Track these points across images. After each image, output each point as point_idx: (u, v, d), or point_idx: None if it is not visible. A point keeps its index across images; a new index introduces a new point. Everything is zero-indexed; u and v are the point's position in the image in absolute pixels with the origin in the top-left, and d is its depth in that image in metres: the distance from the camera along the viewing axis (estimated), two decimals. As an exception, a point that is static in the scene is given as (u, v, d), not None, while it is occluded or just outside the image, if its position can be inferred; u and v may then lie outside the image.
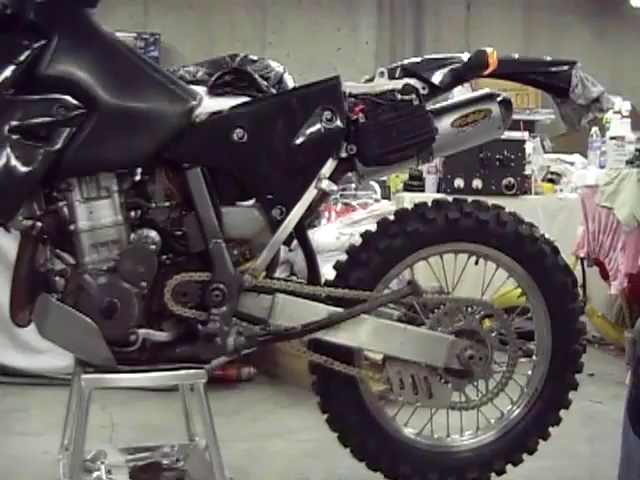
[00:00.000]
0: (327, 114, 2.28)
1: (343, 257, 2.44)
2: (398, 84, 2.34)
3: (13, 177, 2.09)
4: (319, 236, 4.24)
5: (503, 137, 2.69)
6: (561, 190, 5.80)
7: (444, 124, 2.39)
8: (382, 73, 2.36)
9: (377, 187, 5.67)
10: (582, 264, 5.05)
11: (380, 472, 2.53)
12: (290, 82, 3.93)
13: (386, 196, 5.90)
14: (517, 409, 2.59)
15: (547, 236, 2.52)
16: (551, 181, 5.90)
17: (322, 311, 2.34)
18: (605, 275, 4.90)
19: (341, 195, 4.98)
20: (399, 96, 2.32)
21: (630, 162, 4.68)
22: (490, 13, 9.94)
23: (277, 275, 2.48)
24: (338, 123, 2.29)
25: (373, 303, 2.37)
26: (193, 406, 2.57)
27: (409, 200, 4.90)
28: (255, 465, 3.03)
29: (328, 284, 2.40)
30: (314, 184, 2.30)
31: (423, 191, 5.40)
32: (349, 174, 2.46)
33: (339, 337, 2.35)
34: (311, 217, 2.47)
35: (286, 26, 9.62)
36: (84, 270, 2.21)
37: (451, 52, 2.54)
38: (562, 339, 2.54)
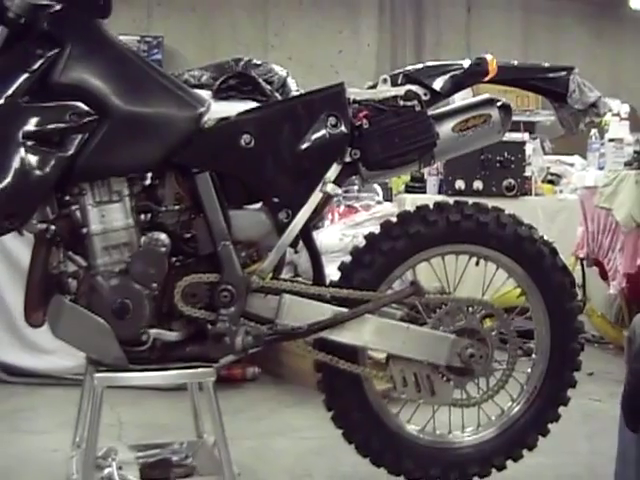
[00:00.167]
0: (332, 120, 2.31)
1: (347, 258, 2.46)
2: (400, 90, 2.37)
3: (28, 182, 2.12)
4: (322, 237, 4.24)
5: (503, 139, 2.72)
6: (561, 191, 5.81)
7: (445, 129, 2.42)
8: (385, 80, 2.40)
9: (379, 189, 5.65)
10: (582, 264, 5.06)
11: (384, 468, 2.55)
12: (293, 85, 3.98)
13: (388, 198, 5.89)
14: (517, 406, 2.61)
15: (545, 237, 2.55)
16: (551, 182, 5.90)
17: (327, 311, 2.37)
18: (604, 275, 4.91)
19: (344, 197, 4.96)
20: (401, 102, 2.35)
21: (628, 164, 4.70)
22: (490, 15, 9.93)
23: (283, 276, 2.49)
24: (342, 129, 2.32)
25: (377, 303, 2.40)
26: (202, 405, 2.58)
27: (410, 202, 4.91)
28: (261, 462, 3.05)
29: (333, 285, 2.42)
30: (319, 188, 2.33)
31: (424, 193, 5.40)
32: (353, 177, 2.50)
33: (344, 336, 2.38)
34: (316, 219, 2.48)
35: (288, 29, 9.60)
36: (96, 272, 2.24)
37: (451, 53, 2.59)
38: (561, 338, 2.56)
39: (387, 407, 2.56)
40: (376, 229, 2.50)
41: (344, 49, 9.74)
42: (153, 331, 2.27)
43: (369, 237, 2.47)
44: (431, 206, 2.50)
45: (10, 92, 2.12)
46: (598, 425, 3.40)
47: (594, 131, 5.20)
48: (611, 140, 4.94)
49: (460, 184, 5.24)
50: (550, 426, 2.63)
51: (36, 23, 2.15)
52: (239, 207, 2.36)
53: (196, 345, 2.30)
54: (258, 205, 2.38)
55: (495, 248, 2.50)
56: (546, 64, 2.55)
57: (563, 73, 2.49)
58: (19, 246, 3.74)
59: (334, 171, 2.34)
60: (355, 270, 2.43)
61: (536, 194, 5.51)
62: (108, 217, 2.25)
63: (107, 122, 2.18)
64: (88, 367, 2.36)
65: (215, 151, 2.31)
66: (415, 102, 2.36)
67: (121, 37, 2.41)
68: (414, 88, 2.38)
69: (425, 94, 2.39)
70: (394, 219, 2.50)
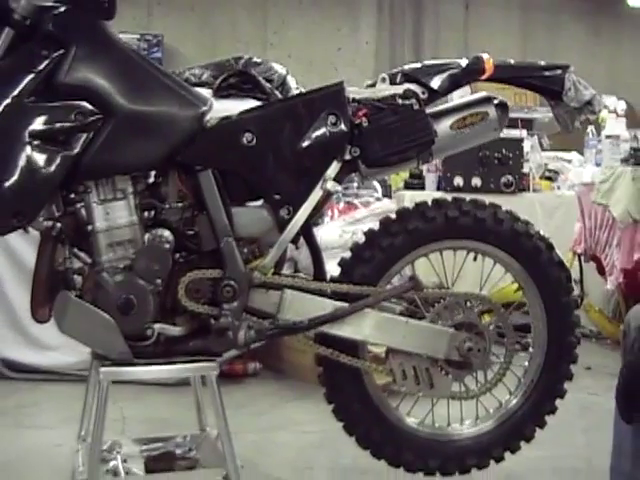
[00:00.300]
0: (332, 118, 2.34)
1: (347, 254, 2.48)
2: (399, 89, 2.40)
3: (35, 180, 2.15)
4: (322, 234, 4.20)
5: (501, 136, 2.75)
6: (559, 187, 5.80)
7: (443, 127, 2.44)
8: (384, 79, 2.42)
9: (378, 186, 5.65)
10: (579, 260, 5.07)
11: (384, 460, 2.58)
12: (293, 84, 4.00)
13: (387, 194, 5.88)
14: (514, 399, 2.63)
15: (542, 233, 2.57)
16: (549, 179, 5.88)
17: (328, 306, 2.39)
18: (602, 271, 4.92)
19: (343, 194, 4.95)
20: (400, 101, 2.38)
21: (625, 160, 4.71)
22: (488, 13, 9.94)
23: (284, 272, 2.51)
24: (342, 127, 2.34)
25: (376, 298, 2.42)
26: (205, 399, 2.61)
27: (410, 198, 4.92)
28: (263, 456, 3.08)
29: (333, 280, 2.44)
30: (320, 185, 2.35)
31: (423, 189, 5.40)
32: (352, 174, 2.52)
33: (344, 330, 2.40)
34: (316, 216, 2.50)
35: (287, 27, 9.60)
36: (101, 268, 2.26)
37: (450, 51, 2.62)
38: (557, 332, 2.59)
39: (387, 400, 2.58)
40: (375, 225, 2.52)
41: (343, 47, 9.75)
42: (157, 326, 2.29)
43: (368, 233, 2.49)
44: (429, 203, 2.52)
45: (16, 92, 2.15)
46: (595, 418, 3.42)
47: (591, 128, 5.22)
48: (608, 137, 4.96)
49: (459, 181, 5.25)
50: (548, 419, 2.65)
51: (41, 25, 2.18)
52: (241, 204, 2.38)
53: (199, 339, 2.32)
54: (259, 202, 2.40)
55: (492, 244, 2.53)
56: (542, 62, 2.58)
57: (559, 71, 2.51)
58: (22, 243, 3.78)
59: (334, 168, 2.37)
60: (355, 266, 2.45)
61: (534, 190, 5.51)
62: (112, 214, 2.27)
63: (111, 121, 2.20)
64: (93, 362, 2.39)
65: (217, 149, 2.33)
66: (413, 100, 2.38)
67: (121, 35, 2.42)
68: (412, 87, 2.41)
69: (423, 92, 2.41)
70: (393, 216, 2.52)
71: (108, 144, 2.20)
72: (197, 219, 2.34)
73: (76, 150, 2.18)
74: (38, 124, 2.16)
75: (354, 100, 2.40)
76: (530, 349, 2.66)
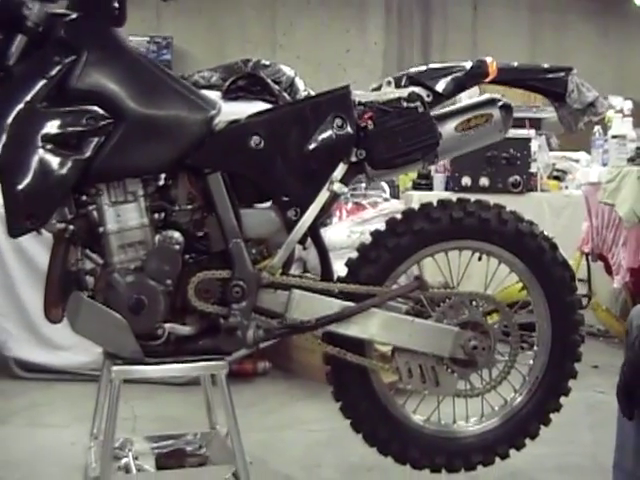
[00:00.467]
0: (338, 121, 2.36)
1: (354, 254, 2.50)
2: (404, 92, 2.42)
3: (47, 183, 2.18)
4: (331, 234, 4.26)
5: (509, 135, 2.75)
6: (566, 187, 5.82)
7: (448, 129, 2.47)
8: (389, 82, 2.44)
9: (386, 187, 5.67)
10: (587, 259, 5.09)
11: (390, 457, 2.59)
12: (301, 85, 4.04)
13: (395, 195, 5.91)
14: (519, 397, 2.64)
15: (546, 233, 2.58)
16: (557, 178, 5.90)
17: (335, 305, 2.41)
18: (609, 270, 4.94)
19: (351, 194, 4.97)
20: (405, 104, 2.40)
21: (631, 160, 4.73)
22: (496, 13, 9.92)
23: (292, 272, 2.54)
24: (348, 130, 2.37)
25: (383, 297, 2.44)
26: (215, 398, 2.65)
27: (417, 198, 4.94)
28: (271, 453, 3.12)
29: (340, 280, 2.46)
30: (326, 187, 2.38)
31: (431, 189, 5.44)
32: (359, 176, 2.53)
33: (351, 330, 2.42)
34: (324, 217, 2.53)
35: (295, 28, 9.62)
36: (113, 269, 2.29)
37: (458, 52, 2.64)
38: (561, 330, 2.60)
39: (393, 398, 2.60)
40: (382, 226, 2.54)
41: (351, 48, 9.76)
42: (168, 325, 2.32)
43: (375, 234, 2.51)
44: (435, 204, 2.54)
45: (29, 98, 2.18)
46: (602, 416, 3.42)
47: (598, 128, 5.21)
48: (614, 137, 4.96)
49: (466, 181, 5.28)
50: (554, 417, 2.66)
51: (53, 31, 2.21)
52: (249, 206, 2.41)
53: (209, 339, 2.35)
54: (268, 204, 2.43)
55: (497, 244, 2.54)
56: (545, 65, 2.60)
57: (562, 74, 2.53)
58: (35, 245, 3.83)
59: (341, 170, 2.39)
60: (362, 266, 2.47)
61: (542, 190, 5.53)
62: (124, 216, 2.30)
63: (122, 125, 2.23)
64: (105, 361, 2.42)
65: (226, 152, 2.36)
66: (418, 103, 2.40)
67: (131, 38, 2.47)
68: (417, 90, 2.43)
69: (428, 95, 2.43)
70: (399, 216, 2.53)
71: (119, 148, 2.23)
72: (206, 221, 2.37)
73: (88, 154, 2.21)
74: (51, 128, 2.19)
75: (360, 103, 2.42)
76: (535, 347, 2.67)
